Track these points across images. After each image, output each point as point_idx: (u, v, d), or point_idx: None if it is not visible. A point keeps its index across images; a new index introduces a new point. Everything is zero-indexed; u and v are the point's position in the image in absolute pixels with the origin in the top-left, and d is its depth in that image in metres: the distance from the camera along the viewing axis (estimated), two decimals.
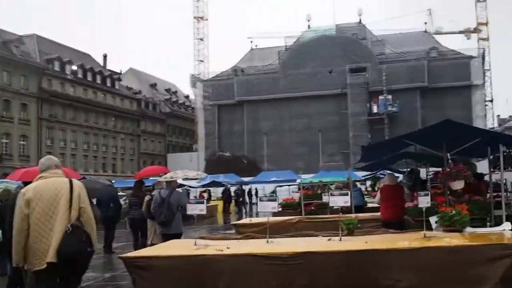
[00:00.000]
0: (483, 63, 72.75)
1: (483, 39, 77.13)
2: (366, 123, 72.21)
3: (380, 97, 71.60)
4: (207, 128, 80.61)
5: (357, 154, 69.99)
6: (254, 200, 55.42)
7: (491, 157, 9.89)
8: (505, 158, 9.28)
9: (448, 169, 9.22)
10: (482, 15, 77.64)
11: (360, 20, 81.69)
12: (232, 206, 43.74)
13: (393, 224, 10.04)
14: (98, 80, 75.52)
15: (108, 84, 77.60)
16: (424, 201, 7.96)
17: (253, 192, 55.47)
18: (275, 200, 7.66)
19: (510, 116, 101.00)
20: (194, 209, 7.42)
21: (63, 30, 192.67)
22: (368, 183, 41.42)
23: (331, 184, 25.74)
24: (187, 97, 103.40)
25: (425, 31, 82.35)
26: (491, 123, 79.52)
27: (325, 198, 13.85)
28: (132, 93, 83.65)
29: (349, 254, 6.36)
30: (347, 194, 7.72)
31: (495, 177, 11.26)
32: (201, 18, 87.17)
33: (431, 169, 15.33)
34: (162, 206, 10.44)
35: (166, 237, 10.24)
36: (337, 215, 11.87)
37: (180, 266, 6.47)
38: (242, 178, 49.05)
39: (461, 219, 7.71)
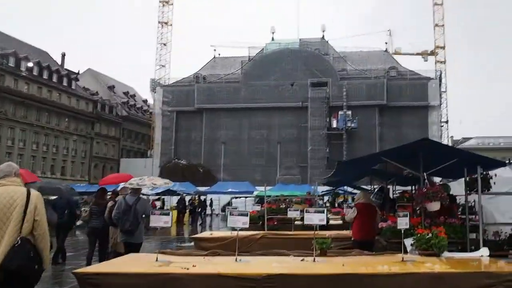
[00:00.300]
0: (440, 84, 73.85)
1: (440, 61, 78.70)
2: (325, 138, 72.24)
3: (340, 113, 71.85)
4: (164, 134, 79.29)
5: (315, 168, 70.41)
6: (208, 211, 54.60)
7: (467, 178, 9.51)
8: (481, 180, 8.95)
9: (425, 189, 8.85)
10: (440, 38, 79.19)
11: (323, 36, 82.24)
12: (186, 217, 42.53)
13: (365, 243, 9.59)
14: (55, 79, 73.53)
15: (65, 83, 75.68)
16: (403, 223, 7.53)
17: (208, 203, 54.60)
18: (246, 215, 7.07)
19: (463, 138, 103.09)
20: (158, 221, 6.78)
21: (22, 26, 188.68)
22: (326, 198, 41.15)
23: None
24: (145, 101, 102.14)
25: (386, 51, 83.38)
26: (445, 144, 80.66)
27: (290, 214, 13.21)
28: (88, 94, 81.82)
29: (329, 278, 5.85)
30: (323, 212, 7.20)
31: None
32: (166, 23, 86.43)
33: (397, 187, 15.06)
34: (128, 214, 10.09)
35: (128, 246, 10.04)
36: (304, 232, 11.41)
37: (141, 284, 5.78)
38: (197, 188, 48.14)
39: (439, 243, 7.41)
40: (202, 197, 48.03)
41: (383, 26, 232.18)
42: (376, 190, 13.11)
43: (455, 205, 10.93)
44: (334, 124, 72.76)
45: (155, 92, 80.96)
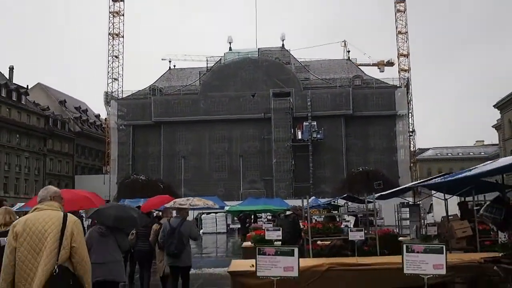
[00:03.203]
0: (407, 93, 72.86)
1: (404, 70, 77.39)
2: (290, 150, 70.10)
3: (305, 123, 69.86)
4: (121, 149, 75.89)
5: (281, 181, 68.44)
6: None
7: None
8: None
9: None
10: (403, 46, 78.11)
11: (283, 44, 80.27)
12: None
13: None
14: (3, 93, 69.11)
15: (14, 98, 71.23)
16: None
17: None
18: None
19: (419, 149, 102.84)
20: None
21: None
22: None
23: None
24: (97, 116, 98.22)
25: (349, 59, 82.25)
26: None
27: (352, 236, 10.33)
28: (39, 109, 77.48)
29: None
30: None
31: None
32: (117, 35, 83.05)
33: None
34: (172, 236, 9.80)
35: (175, 270, 10.05)
36: (391, 260, 8.81)
37: None
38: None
39: None
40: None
41: (339, 36, 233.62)
42: (490, 202, 10.16)
43: None
44: (299, 136, 70.75)
45: (109, 106, 77.35)
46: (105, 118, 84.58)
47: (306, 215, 12.00)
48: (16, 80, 77.70)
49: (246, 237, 31.54)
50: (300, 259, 10.23)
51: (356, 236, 10.17)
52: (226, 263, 19.23)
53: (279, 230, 10.37)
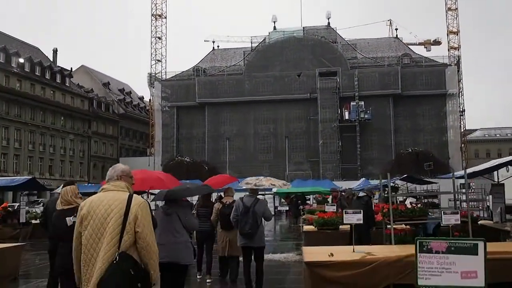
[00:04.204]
0: (458, 71, 70.12)
1: (454, 48, 74.40)
2: (337, 130, 68.43)
3: (352, 103, 68.07)
4: (165, 131, 75.48)
5: (327, 162, 66.90)
6: None
7: None
8: None
9: None
10: (453, 23, 75.00)
11: (329, 23, 78.09)
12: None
13: None
14: (47, 76, 69.14)
15: (58, 80, 71.25)
16: None
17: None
18: None
19: (466, 130, 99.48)
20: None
21: (11, 21, 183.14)
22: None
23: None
24: (141, 98, 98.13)
25: (396, 37, 79.69)
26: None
27: (446, 219, 8.80)
28: (83, 92, 77.44)
29: None
30: None
31: None
32: (160, 16, 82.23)
33: None
34: (246, 216, 9.56)
35: (248, 250, 9.83)
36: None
37: None
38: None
39: None
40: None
41: (383, 16, 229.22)
42: None
43: None
44: (346, 116, 68.89)
45: (153, 87, 76.86)
46: (149, 100, 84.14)
47: (385, 195, 10.68)
48: (60, 62, 78.02)
49: (297, 220, 30.47)
50: (386, 247, 8.88)
51: (451, 219, 8.73)
52: (282, 249, 18.13)
53: (360, 213, 9.02)
